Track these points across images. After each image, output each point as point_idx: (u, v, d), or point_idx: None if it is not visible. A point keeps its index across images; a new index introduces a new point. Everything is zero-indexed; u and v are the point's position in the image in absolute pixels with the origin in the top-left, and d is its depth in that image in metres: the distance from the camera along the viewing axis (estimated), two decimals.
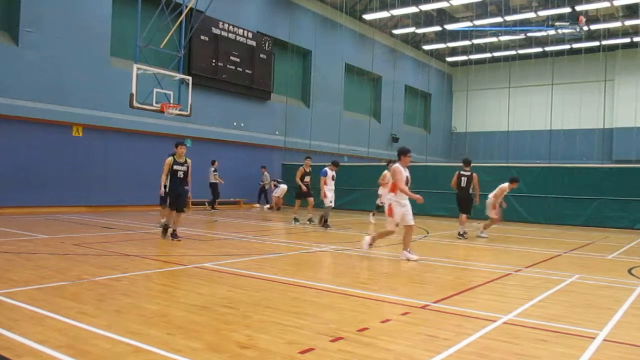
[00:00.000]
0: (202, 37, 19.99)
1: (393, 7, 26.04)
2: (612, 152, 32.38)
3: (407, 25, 30.04)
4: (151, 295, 5.39)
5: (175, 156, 10.00)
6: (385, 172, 14.44)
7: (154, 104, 15.07)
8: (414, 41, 34.01)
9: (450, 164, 26.47)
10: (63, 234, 10.36)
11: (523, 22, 28.01)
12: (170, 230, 10.04)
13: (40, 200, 15.57)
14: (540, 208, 17.47)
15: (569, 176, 17.31)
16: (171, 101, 15.51)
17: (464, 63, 37.55)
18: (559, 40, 30.31)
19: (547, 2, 25.83)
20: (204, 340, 3.88)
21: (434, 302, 5.35)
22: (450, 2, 24.74)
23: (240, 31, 21.82)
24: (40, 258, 7.40)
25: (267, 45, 23.11)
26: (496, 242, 11.74)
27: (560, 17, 26.64)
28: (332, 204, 13.82)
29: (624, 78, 32.78)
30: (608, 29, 29.25)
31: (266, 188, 21.47)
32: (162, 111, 15.28)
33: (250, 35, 22.27)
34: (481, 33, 30.32)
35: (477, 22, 28.21)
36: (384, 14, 27.16)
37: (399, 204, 8.37)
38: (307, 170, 14.69)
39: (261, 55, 22.77)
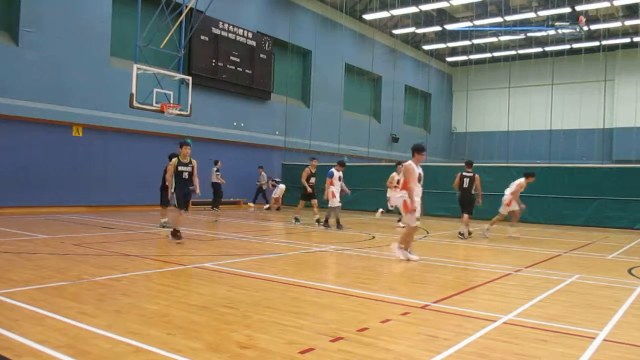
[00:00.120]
0: (202, 37, 20.00)
1: (393, 7, 26.04)
2: (612, 152, 32.37)
3: (407, 25, 30.04)
4: (151, 295, 5.39)
5: (179, 157, 9.89)
6: (394, 174, 14.35)
7: (154, 104, 15.07)
8: (414, 41, 34.00)
9: (450, 164, 26.48)
10: (63, 234, 10.36)
11: (523, 22, 28.01)
12: (171, 229, 9.98)
13: (40, 200, 15.57)
14: (540, 208, 17.45)
15: (569, 176, 17.30)
16: (171, 101, 15.51)
17: (464, 63, 37.55)
18: (559, 40, 30.31)
19: (547, 2, 25.83)
20: (204, 340, 3.88)
21: (434, 302, 5.34)
22: (450, 2, 24.74)
23: (240, 31, 21.82)
24: (40, 258, 7.40)
25: (267, 45, 23.12)
26: (496, 242, 11.74)
27: (560, 17, 26.64)
28: (340, 204, 13.67)
29: (624, 78, 32.78)
30: (608, 29, 29.25)
31: (263, 188, 21.45)
32: (162, 111, 15.28)
33: (250, 35, 22.27)
34: (481, 33, 30.32)
35: (477, 22, 28.21)
36: (384, 14, 27.16)
37: (416, 202, 8.21)
38: (313, 171, 14.60)
39: (261, 55, 22.78)
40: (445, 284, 6.60)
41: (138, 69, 14.49)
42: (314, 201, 14.62)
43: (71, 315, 4.40)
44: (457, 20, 29.35)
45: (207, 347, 3.71)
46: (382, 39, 31.42)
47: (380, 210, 16.04)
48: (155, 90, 15.12)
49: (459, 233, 12.16)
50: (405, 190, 8.26)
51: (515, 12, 26.26)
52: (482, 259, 8.88)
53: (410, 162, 8.38)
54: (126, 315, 4.52)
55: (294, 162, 24.34)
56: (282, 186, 21.54)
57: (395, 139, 32.79)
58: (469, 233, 12.27)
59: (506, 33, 30.02)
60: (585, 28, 27.01)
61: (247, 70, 22.08)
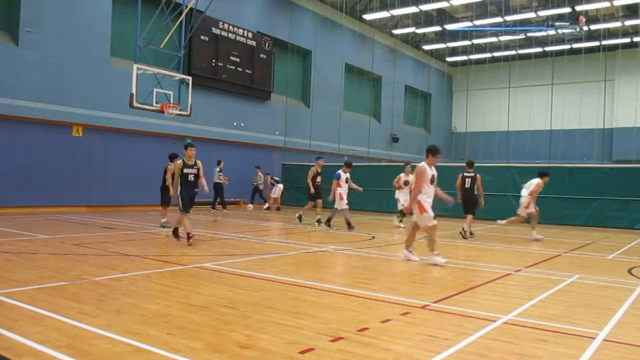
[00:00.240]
0: (202, 37, 20.00)
1: (393, 7, 26.04)
2: (612, 152, 32.38)
3: (407, 25, 30.04)
4: (151, 295, 5.39)
5: (184, 159, 9.58)
6: (401, 174, 14.32)
7: (154, 104, 15.07)
8: (414, 41, 34.00)
9: (451, 164, 26.47)
10: (63, 234, 10.36)
11: (523, 22, 28.01)
12: (172, 228, 9.86)
13: (40, 200, 15.57)
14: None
15: (569, 176, 17.30)
16: (171, 101, 15.51)
17: (464, 63, 37.55)
18: (559, 40, 30.31)
19: (547, 2, 25.83)
20: (204, 340, 3.88)
21: (434, 302, 5.34)
22: (450, 2, 24.75)
23: (240, 31, 21.83)
24: (40, 258, 7.40)
25: (267, 45, 23.12)
26: (496, 242, 11.74)
27: (560, 17, 26.65)
28: (347, 207, 13.46)
29: (624, 78, 32.78)
30: (608, 29, 29.25)
31: (260, 188, 21.44)
32: (162, 111, 15.28)
33: (250, 35, 22.27)
34: (481, 33, 30.33)
35: (477, 22, 28.22)
36: (384, 14, 27.16)
37: (427, 202, 8.07)
38: (319, 170, 14.46)
39: (261, 55, 22.78)
40: (445, 284, 6.60)
41: (138, 69, 14.49)
42: (319, 201, 14.47)
43: (71, 315, 4.40)
44: (457, 20, 29.35)
45: (207, 347, 3.71)
46: (382, 39, 31.42)
47: (397, 216, 15.59)
48: (155, 90, 15.12)
49: (462, 229, 12.22)
50: (415, 192, 8.11)
51: (515, 12, 26.26)
52: (482, 259, 8.88)
53: (423, 163, 8.19)
54: (126, 315, 4.52)
55: (294, 162, 24.35)
56: (280, 186, 21.55)
57: (395, 139, 32.79)
58: (471, 233, 12.29)
59: (506, 33, 30.02)
60: (585, 28, 27.02)
61: (247, 70, 22.09)
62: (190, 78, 16.65)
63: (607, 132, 31.56)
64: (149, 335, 3.96)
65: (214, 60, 20.60)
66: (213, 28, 20.54)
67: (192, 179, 9.61)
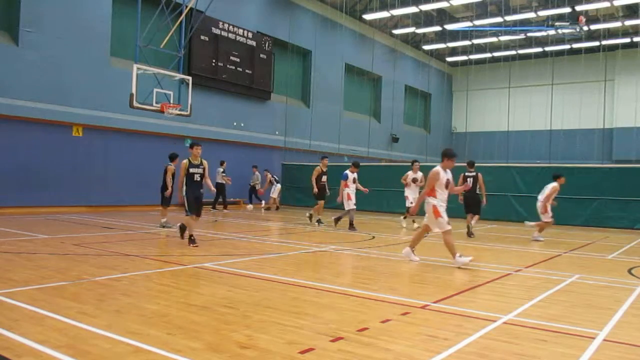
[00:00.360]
0: (202, 37, 20.00)
1: (393, 7, 26.04)
2: (612, 152, 32.37)
3: (407, 25, 30.04)
4: (151, 295, 5.39)
5: (190, 158, 9.30)
6: (409, 172, 14.28)
7: (154, 104, 15.07)
8: (414, 41, 34.00)
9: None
10: (63, 234, 10.36)
11: (523, 22, 28.01)
12: (187, 234, 9.50)
13: (40, 200, 15.57)
14: None
15: (569, 176, 17.23)
16: (171, 101, 15.51)
17: (464, 63, 37.55)
18: (559, 40, 30.31)
19: (547, 2, 25.83)
20: (204, 340, 3.88)
21: (434, 302, 5.34)
22: (450, 2, 24.74)
23: (240, 31, 21.82)
24: (40, 258, 7.40)
25: (267, 45, 23.12)
26: (496, 242, 11.74)
27: (560, 17, 26.64)
28: (355, 207, 13.37)
29: (624, 78, 32.78)
30: (608, 29, 29.25)
31: (257, 188, 21.42)
32: (162, 111, 15.28)
33: (250, 35, 22.27)
34: (481, 33, 30.32)
35: (477, 22, 28.21)
36: (384, 14, 27.16)
37: (442, 207, 7.90)
38: (324, 170, 14.36)
39: (261, 55, 22.78)
40: (445, 284, 6.60)
41: (138, 69, 14.49)
42: (321, 202, 14.38)
43: (71, 315, 4.41)
44: (457, 20, 29.35)
45: (207, 347, 3.71)
46: (382, 39, 31.42)
47: (403, 216, 15.20)
48: (155, 90, 15.12)
49: (468, 226, 12.35)
50: (430, 197, 7.91)
51: (515, 12, 26.26)
52: (482, 259, 8.88)
53: (437, 167, 8.01)
54: (126, 315, 4.52)
55: (294, 162, 24.34)
56: (278, 185, 21.56)
57: (395, 139, 32.79)
58: (471, 234, 12.35)
59: (506, 33, 30.02)
60: (585, 28, 27.02)
61: (247, 70, 22.09)
62: (190, 78, 16.65)
63: (607, 132, 31.56)
64: (149, 335, 3.96)
65: (214, 60, 20.60)
66: (213, 28, 20.54)
67: (198, 179, 9.31)
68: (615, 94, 33.04)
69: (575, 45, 31.10)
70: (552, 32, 27.84)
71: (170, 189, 12.38)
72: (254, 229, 13.36)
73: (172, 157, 12.69)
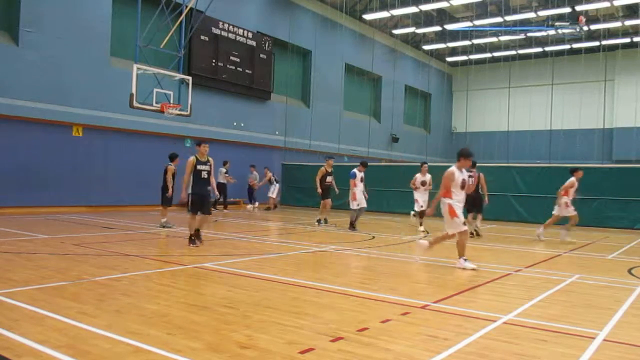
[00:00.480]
0: (202, 37, 19.99)
1: (393, 7, 26.03)
2: (612, 152, 32.37)
3: (407, 25, 30.03)
4: (151, 295, 5.39)
5: (197, 155, 9.20)
6: (417, 175, 13.96)
7: (154, 104, 15.06)
8: (414, 41, 34.00)
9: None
10: (63, 234, 10.36)
11: (523, 22, 28.01)
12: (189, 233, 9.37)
13: (40, 200, 15.57)
14: (540, 208, 17.43)
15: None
16: (171, 101, 15.50)
17: (464, 63, 37.54)
18: (559, 40, 30.30)
19: (547, 2, 25.83)
20: (204, 340, 3.89)
21: (434, 302, 5.35)
22: (450, 2, 24.73)
23: (240, 31, 21.82)
24: (40, 258, 7.40)
25: (267, 45, 23.12)
26: (496, 242, 11.74)
27: (560, 17, 26.64)
28: (365, 205, 13.21)
29: (624, 78, 32.77)
30: (608, 29, 29.24)
31: (255, 188, 21.37)
32: (162, 111, 15.27)
33: (250, 35, 22.27)
34: (481, 33, 30.32)
35: (477, 22, 28.21)
36: (384, 14, 27.15)
37: (457, 207, 7.77)
38: (329, 170, 14.27)
39: (261, 55, 22.78)
40: (445, 284, 6.60)
41: (138, 69, 14.49)
42: (328, 202, 14.25)
43: (71, 315, 4.41)
44: (457, 20, 29.35)
45: (207, 347, 3.71)
46: (382, 39, 31.42)
47: (412, 212, 14.95)
48: (155, 90, 15.11)
49: (475, 228, 12.37)
50: (446, 197, 7.78)
51: (515, 12, 26.25)
52: (482, 259, 8.88)
53: (453, 167, 7.89)
54: (126, 315, 4.52)
55: (294, 162, 24.34)
56: (277, 185, 21.54)
57: (395, 139, 32.79)
58: (471, 234, 12.36)
59: (506, 33, 30.01)
60: (585, 28, 27.01)
61: (247, 70, 22.08)
62: (190, 78, 16.64)
63: (607, 132, 31.55)
64: (149, 335, 3.96)
65: (214, 60, 20.60)
66: (213, 28, 20.54)
67: (206, 176, 9.25)
68: (615, 94, 33.03)
69: (575, 45, 31.09)
70: (552, 32, 27.83)
71: (170, 189, 12.39)
72: (254, 229, 13.36)
73: (172, 157, 12.70)
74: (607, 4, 23.99)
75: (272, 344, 3.83)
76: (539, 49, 32.59)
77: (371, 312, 4.98)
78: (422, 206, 13.74)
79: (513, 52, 33.74)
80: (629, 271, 7.92)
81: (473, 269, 7.50)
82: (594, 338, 4.24)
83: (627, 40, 29.68)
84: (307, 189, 23.10)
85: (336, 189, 14.62)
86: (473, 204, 12.46)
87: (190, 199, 9.12)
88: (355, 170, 13.32)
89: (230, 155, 21.00)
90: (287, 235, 12.09)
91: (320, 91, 26.56)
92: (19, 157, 15.16)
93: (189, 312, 4.68)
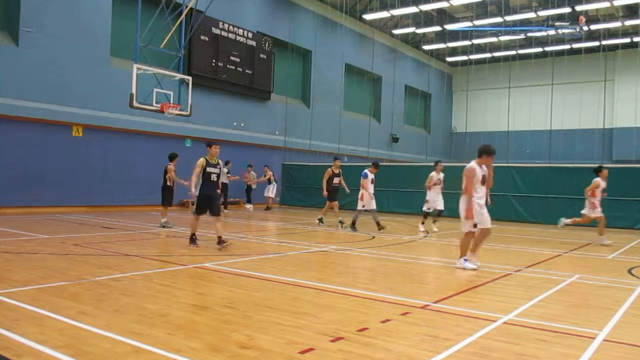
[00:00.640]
0: (202, 37, 20.00)
1: (393, 7, 26.04)
2: (612, 152, 32.37)
3: (407, 25, 30.04)
4: (151, 295, 5.39)
5: (207, 157, 9.05)
6: (432, 174, 13.52)
7: (154, 104, 15.06)
8: (414, 41, 34.00)
9: (451, 164, 26.48)
10: (63, 234, 10.36)
11: (523, 22, 28.01)
12: (194, 236, 9.26)
13: (40, 200, 15.57)
14: (540, 208, 17.46)
15: (569, 176, 17.30)
16: (171, 101, 15.50)
17: (464, 63, 37.55)
18: (559, 40, 30.30)
19: (547, 2, 25.83)
20: (204, 340, 3.88)
21: (434, 302, 5.34)
22: (450, 2, 24.74)
23: (240, 31, 21.82)
24: (40, 258, 7.40)
25: (267, 45, 23.12)
26: (496, 242, 11.74)
27: (560, 17, 26.64)
28: (374, 207, 13.08)
29: (624, 78, 32.78)
30: (608, 29, 29.24)
31: (252, 187, 21.34)
32: (162, 111, 15.28)
33: (250, 35, 22.27)
34: (481, 33, 30.32)
35: (477, 22, 28.21)
36: (384, 14, 27.16)
37: (478, 205, 7.63)
38: (336, 171, 14.09)
39: (261, 55, 22.78)
40: (445, 284, 6.60)
41: (138, 69, 14.49)
42: (335, 203, 14.08)
43: (71, 315, 4.40)
44: (457, 20, 29.35)
45: (207, 347, 3.71)
46: (382, 39, 31.42)
47: (422, 222, 14.35)
48: (155, 90, 15.12)
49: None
50: (466, 194, 7.61)
51: (515, 12, 26.26)
52: (482, 259, 8.87)
53: (473, 163, 7.73)
54: (126, 315, 4.52)
55: (294, 162, 24.35)
56: (275, 185, 21.52)
57: (395, 139, 32.79)
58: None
59: (506, 33, 30.01)
60: (585, 28, 27.00)
61: (247, 70, 22.09)
62: (190, 78, 16.65)
63: (607, 132, 31.54)
64: (149, 335, 3.96)
65: (214, 60, 20.60)
66: (213, 28, 20.54)
67: (215, 179, 9.09)
68: (615, 94, 33.04)
69: (575, 45, 31.09)
70: (552, 32, 27.83)
71: (172, 185, 12.51)
72: (254, 229, 13.36)
73: (172, 157, 12.72)
74: (607, 4, 23.99)
75: (272, 344, 3.83)
76: (539, 49, 32.59)
77: (371, 312, 4.98)
78: (429, 208, 13.49)
79: (513, 52, 33.74)
80: (629, 271, 7.92)
81: (473, 269, 7.50)
82: (594, 338, 4.24)
83: (627, 40, 29.69)
84: (307, 189, 23.13)
85: (347, 189, 14.39)
86: None
87: (197, 201, 9.04)
88: (367, 170, 13.20)
89: (230, 155, 20.96)
90: (287, 235, 12.09)
91: (320, 91, 26.55)
92: (19, 157, 15.17)
93: (189, 312, 4.68)
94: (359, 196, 13.07)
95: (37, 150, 15.61)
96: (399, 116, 33.73)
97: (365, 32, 29.74)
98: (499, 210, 17.38)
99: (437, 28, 30.05)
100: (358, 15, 28.30)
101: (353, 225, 13.07)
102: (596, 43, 30.39)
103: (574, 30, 26.89)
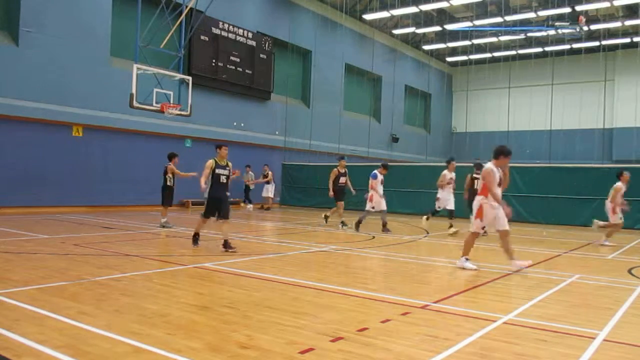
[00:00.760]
0: (202, 37, 20.00)
1: (393, 7, 26.03)
2: (612, 152, 32.37)
3: (407, 25, 30.03)
4: (151, 295, 5.39)
5: (217, 159, 8.91)
6: (445, 172, 13.29)
7: (154, 104, 15.06)
8: (414, 41, 34.00)
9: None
10: (63, 234, 10.36)
11: (523, 22, 28.00)
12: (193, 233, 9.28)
13: (40, 200, 15.57)
14: (540, 208, 17.45)
15: (569, 176, 17.30)
16: (171, 101, 15.51)
17: (464, 63, 37.54)
18: (559, 40, 30.30)
19: (547, 2, 25.83)
20: (204, 340, 3.88)
21: (434, 302, 5.34)
22: (450, 2, 24.73)
23: (240, 31, 21.82)
24: (40, 258, 7.40)
25: (267, 45, 23.12)
26: (496, 242, 11.71)
27: (560, 17, 26.63)
28: (384, 208, 12.93)
29: (624, 78, 32.77)
30: (608, 29, 29.24)
31: (251, 188, 21.35)
32: (162, 111, 15.28)
33: (250, 35, 22.27)
34: (481, 33, 30.32)
35: (477, 22, 28.20)
36: (384, 14, 27.16)
37: (491, 206, 7.54)
38: (342, 171, 13.92)
39: (261, 55, 22.78)
40: (445, 284, 6.60)
41: (138, 69, 14.49)
42: (341, 204, 13.96)
43: (71, 315, 4.40)
44: (457, 20, 29.35)
45: (207, 347, 3.71)
46: (382, 39, 31.42)
47: (426, 216, 14.10)
48: (155, 90, 15.12)
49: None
50: (485, 195, 7.55)
51: (515, 12, 26.25)
52: (482, 259, 8.88)
53: (490, 164, 7.65)
54: (126, 315, 4.52)
55: (294, 162, 24.35)
56: (272, 185, 21.53)
57: (395, 139, 32.79)
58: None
59: (506, 33, 30.01)
60: (585, 28, 27.00)
61: (247, 70, 22.09)
62: (190, 78, 16.65)
63: (607, 132, 31.54)
64: (149, 335, 3.96)
65: (214, 60, 20.60)
66: (213, 28, 20.54)
67: (225, 181, 8.95)
68: (615, 94, 33.03)
69: (575, 45, 31.08)
70: (552, 32, 27.82)
71: (172, 185, 12.54)
72: (254, 229, 13.36)
73: (171, 157, 12.73)
74: (607, 4, 23.99)
75: (272, 344, 3.83)
76: (539, 49, 32.59)
77: (371, 312, 4.98)
78: (439, 207, 13.29)
79: (513, 52, 33.74)
80: (629, 271, 7.92)
81: (473, 270, 7.49)
82: (594, 338, 4.23)
83: (627, 40, 29.68)
84: (307, 189, 23.13)
85: (352, 190, 14.24)
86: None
87: (206, 203, 8.90)
88: (376, 171, 13.13)
89: (230, 155, 20.88)
90: (287, 235, 12.09)
91: (320, 91, 26.55)
92: (19, 157, 15.17)
93: (189, 312, 4.68)
94: (368, 197, 12.96)
95: (37, 150, 15.62)
96: (399, 116, 33.73)
97: (365, 32, 29.73)
98: None
99: (437, 28, 30.05)
100: (358, 15, 28.30)
101: (358, 224, 13.01)
102: (596, 43, 30.38)
103: (574, 30, 26.88)
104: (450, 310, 5.07)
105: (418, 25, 29.54)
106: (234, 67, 21.50)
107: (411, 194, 19.82)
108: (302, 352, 3.65)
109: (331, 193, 13.85)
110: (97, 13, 16.95)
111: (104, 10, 17.13)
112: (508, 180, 8.01)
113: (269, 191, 21.31)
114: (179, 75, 16.02)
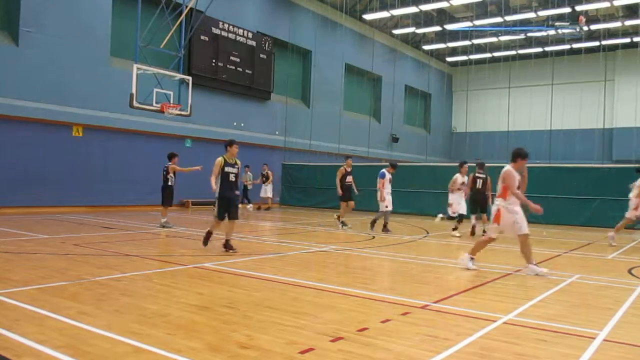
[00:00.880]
0: (202, 37, 20.00)
1: (393, 7, 26.03)
2: (612, 152, 32.37)
3: (407, 25, 30.03)
4: (151, 295, 5.39)
5: (225, 157, 8.74)
6: (457, 175, 13.08)
7: (154, 104, 15.06)
8: (414, 41, 34.00)
9: (451, 164, 26.46)
10: (63, 234, 10.36)
11: (523, 22, 28.00)
12: (215, 238, 9.17)
13: (40, 200, 15.57)
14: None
15: (569, 176, 17.30)
16: (171, 101, 15.51)
17: (464, 63, 37.54)
18: (559, 40, 30.29)
19: (547, 2, 25.83)
20: (204, 340, 3.88)
21: (434, 302, 5.34)
22: (450, 2, 24.73)
23: (240, 31, 21.82)
24: (40, 258, 7.40)
25: (267, 45, 23.12)
26: (496, 242, 11.71)
27: (560, 17, 26.63)
28: (390, 208, 12.90)
29: (624, 78, 32.76)
30: (608, 29, 29.24)
31: (249, 188, 21.34)
32: (162, 111, 15.28)
33: (250, 35, 22.27)
34: (481, 33, 30.31)
35: (477, 22, 28.20)
36: (384, 14, 27.15)
37: (509, 211, 7.47)
38: (349, 170, 13.82)
39: (261, 55, 22.78)
40: (445, 284, 6.60)
41: (138, 69, 14.49)
42: (351, 203, 13.89)
43: (71, 315, 4.40)
44: (457, 20, 29.34)
45: (207, 347, 3.71)
46: (382, 39, 31.41)
47: (440, 215, 14.30)
48: (155, 90, 15.12)
49: (473, 227, 12.47)
50: (503, 198, 7.52)
51: (515, 12, 26.25)
52: (482, 259, 8.87)
53: (509, 167, 7.66)
54: (126, 315, 4.52)
55: (294, 162, 24.34)
56: (270, 185, 21.52)
57: (395, 139, 32.79)
58: (473, 234, 12.44)
59: (506, 33, 30.00)
60: (585, 28, 27.00)
61: (247, 70, 22.08)
62: (190, 78, 16.65)
63: (607, 132, 31.54)
64: (149, 335, 3.96)
65: (214, 60, 20.60)
66: (213, 28, 20.54)
67: (233, 179, 8.77)
68: (615, 94, 33.02)
69: (575, 45, 31.08)
70: (552, 32, 27.81)
71: (172, 185, 12.56)
72: (254, 229, 13.36)
73: (171, 157, 12.73)
74: (607, 4, 23.99)
75: (272, 344, 3.83)
76: (539, 49, 32.58)
77: (371, 312, 4.98)
78: (454, 212, 13.05)
79: (513, 52, 33.74)
80: (629, 271, 7.92)
81: (473, 270, 7.50)
82: (594, 338, 4.23)
83: (627, 40, 29.68)
84: (307, 189, 23.14)
85: (356, 190, 14.15)
86: (478, 204, 12.53)
87: (217, 204, 8.74)
88: (384, 170, 13.08)
89: None
90: (287, 235, 12.09)
91: (320, 91, 26.55)
92: (19, 157, 15.16)
93: (189, 312, 4.68)
94: (379, 197, 12.85)
95: (37, 150, 15.61)
96: (399, 116, 33.73)
97: (365, 32, 29.73)
98: None
99: (437, 28, 30.04)
100: (358, 15, 28.30)
101: (372, 224, 13.02)
102: (596, 43, 30.38)
103: (574, 30, 26.87)
104: (450, 310, 5.07)
105: (418, 25, 29.54)
106: (234, 67, 21.50)
107: (411, 194, 19.82)
108: (302, 352, 3.65)
109: (340, 191, 13.70)
110: (97, 13, 16.95)
111: (104, 10, 17.13)
112: (526, 182, 8.04)
113: (268, 191, 21.28)
114: (179, 75, 16.02)
